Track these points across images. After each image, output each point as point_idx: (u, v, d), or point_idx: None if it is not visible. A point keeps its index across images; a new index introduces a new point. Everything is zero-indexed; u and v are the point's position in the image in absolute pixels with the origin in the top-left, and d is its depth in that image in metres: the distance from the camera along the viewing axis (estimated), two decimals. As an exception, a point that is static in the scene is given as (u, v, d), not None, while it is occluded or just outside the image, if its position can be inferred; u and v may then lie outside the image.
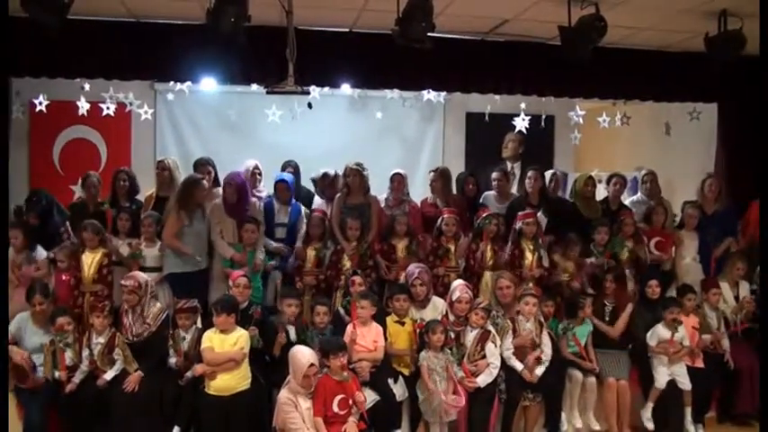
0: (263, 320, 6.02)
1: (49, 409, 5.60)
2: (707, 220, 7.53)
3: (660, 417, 6.30)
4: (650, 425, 6.25)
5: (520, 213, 6.98)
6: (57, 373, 5.70)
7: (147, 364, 5.75)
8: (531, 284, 6.56)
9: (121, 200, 7.19)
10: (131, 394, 5.61)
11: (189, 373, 5.68)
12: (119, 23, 6.64)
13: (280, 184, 7.25)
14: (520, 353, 6.08)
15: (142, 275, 6.09)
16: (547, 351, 6.13)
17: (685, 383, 6.31)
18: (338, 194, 7.21)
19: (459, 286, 6.16)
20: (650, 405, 6.31)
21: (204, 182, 6.87)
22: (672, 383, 6.33)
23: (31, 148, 8.91)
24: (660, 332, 6.41)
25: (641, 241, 7.23)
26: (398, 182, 7.36)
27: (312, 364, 5.22)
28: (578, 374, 6.25)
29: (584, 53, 5.96)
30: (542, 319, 6.27)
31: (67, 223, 6.98)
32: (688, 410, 6.31)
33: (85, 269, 6.30)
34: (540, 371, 6.03)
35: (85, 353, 5.78)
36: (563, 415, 6.17)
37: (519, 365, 6.02)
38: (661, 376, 6.32)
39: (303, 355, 5.29)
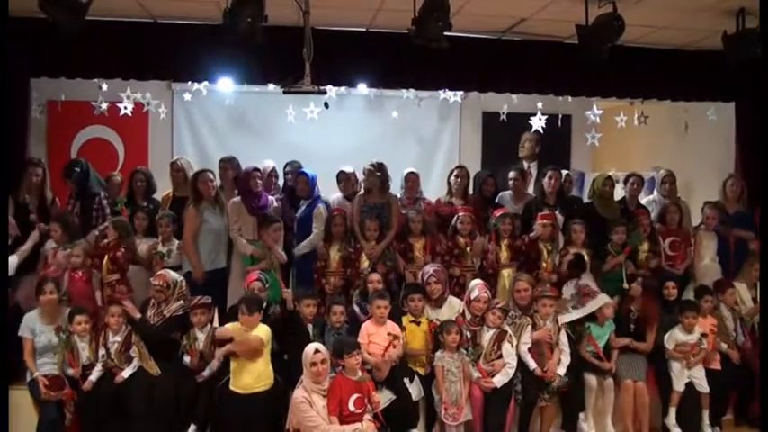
0: (283, 320, 6.08)
1: (67, 405, 5.64)
2: (729, 220, 7.46)
3: (677, 419, 6.26)
4: (677, 430, 6.22)
5: (539, 214, 6.97)
6: (69, 370, 5.76)
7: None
8: (548, 285, 6.54)
9: (139, 199, 7.24)
10: (148, 392, 5.65)
11: (207, 371, 5.72)
12: (136, 24, 6.67)
13: (301, 177, 7.32)
14: (536, 352, 6.07)
15: (172, 275, 6.14)
16: (566, 350, 6.12)
17: (703, 386, 6.29)
18: (359, 194, 7.22)
19: (478, 285, 6.15)
20: (673, 410, 6.27)
21: (208, 173, 6.88)
22: (689, 386, 6.30)
23: (50, 148, 8.95)
24: (677, 335, 6.38)
25: (657, 242, 7.19)
26: (412, 181, 7.38)
27: (317, 350, 5.24)
28: (592, 380, 6.22)
29: (602, 52, 5.93)
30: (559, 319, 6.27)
31: (103, 193, 7.04)
32: (705, 413, 6.29)
33: (104, 262, 6.34)
34: (562, 370, 6.03)
35: (101, 351, 5.83)
36: (581, 415, 6.15)
37: (532, 363, 6.00)
38: (679, 379, 6.30)
39: (309, 346, 5.34)
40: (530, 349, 6.07)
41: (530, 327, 6.13)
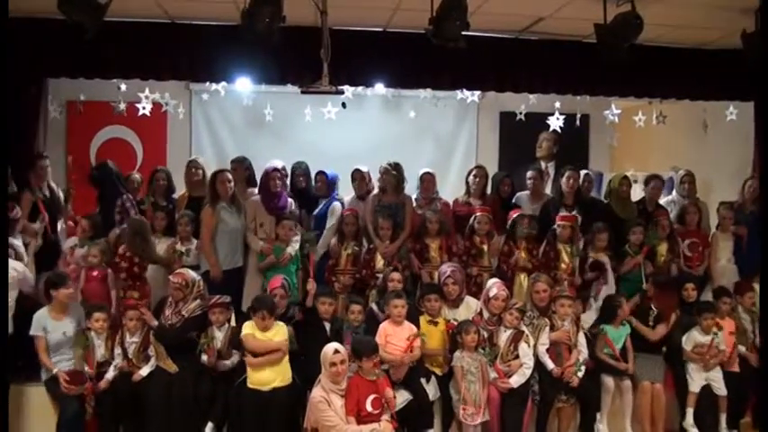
0: (301, 321, 6.12)
1: (88, 399, 5.66)
2: (744, 220, 7.39)
3: (695, 422, 6.22)
4: (695, 431, 6.19)
5: (560, 215, 6.94)
6: (86, 368, 5.79)
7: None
8: (565, 284, 6.53)
9: (159, 199, 7.27)
10: (166, 390, 5.67)
11: (228, 362, 5.77)
12: (154, 24, 6.72)
13: (320, 176, 7.38)
14: (554, 353, 6.05)
15: (191, 274, 6.16)
16: (584, 351, 6.10)
17: (721, 389, 6.25)
18: (373, 193, 7.23)
19: (496, 284, 6.15)
20: (690, 411, 6.24)
21: (227, 173, 6.90)
22: (707, 388, 6.27)
23: (69, 148, 9.00)
24: (696, 337, 6.35)
25: (677, 243, 7.15)
26: (428, 181, 7.34)
27: (337, 351, 5.26)
28: (610, 381, 6.19)
29: (620, 51, 5.90)
30: (578, 321, 6.25)
31: (126, 195, 7.05)
32: (723, 416, 6.25)
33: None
34: (580, 374, 5.99)
35: (117, 351, 5.87)
36: (597, 416, 6.12)
37: (550, 364, 5.99)
38: (696, 380, 6.27)
39: (329, 346, 5.35)
40: (547, 350, 6.06)
41: (548, 328, 6.12)
